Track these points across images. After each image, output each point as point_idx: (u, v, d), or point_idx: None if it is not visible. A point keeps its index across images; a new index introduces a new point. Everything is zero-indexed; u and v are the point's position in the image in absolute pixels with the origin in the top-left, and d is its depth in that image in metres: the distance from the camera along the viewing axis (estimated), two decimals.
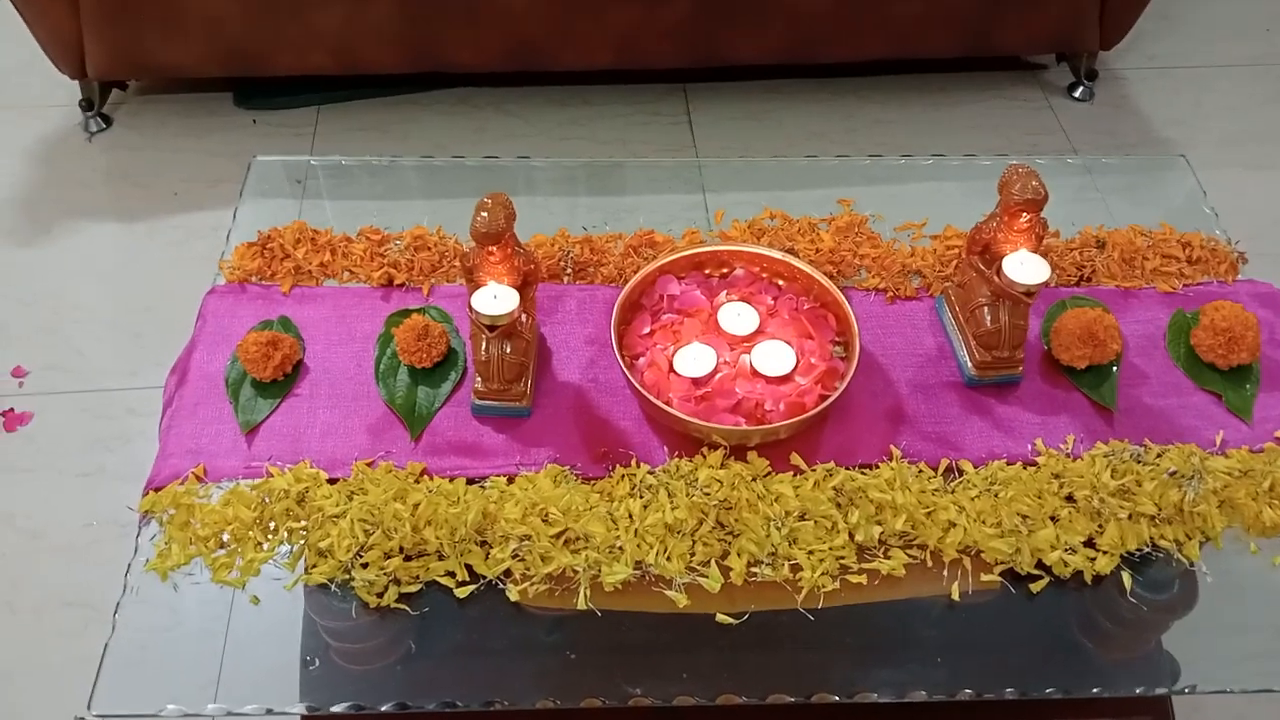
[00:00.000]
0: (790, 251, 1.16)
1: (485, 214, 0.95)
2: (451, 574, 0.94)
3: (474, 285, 1.00)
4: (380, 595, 0.93)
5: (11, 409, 1.66)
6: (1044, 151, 2.08)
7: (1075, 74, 2.18)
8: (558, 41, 1.97)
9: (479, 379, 1.04)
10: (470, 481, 1.00)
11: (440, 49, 1.96)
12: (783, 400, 1.04)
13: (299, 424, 1.05)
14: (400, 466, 1.01)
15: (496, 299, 0.98)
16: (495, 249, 0.97)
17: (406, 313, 1.12)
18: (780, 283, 1.15)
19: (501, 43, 1.95)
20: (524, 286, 1.02)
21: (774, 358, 1.06)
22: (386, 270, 1.17)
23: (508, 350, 1.01)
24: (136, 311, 1.81)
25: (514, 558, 0.95)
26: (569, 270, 1.19)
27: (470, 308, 0.97)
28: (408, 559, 0.95)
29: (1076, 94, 2.17)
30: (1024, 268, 1.02)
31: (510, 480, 1.00)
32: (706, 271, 1.16)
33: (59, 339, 1.76)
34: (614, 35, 1.96)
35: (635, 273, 1.14)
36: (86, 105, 2.11)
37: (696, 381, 1.05)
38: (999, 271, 1.02)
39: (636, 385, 1.01)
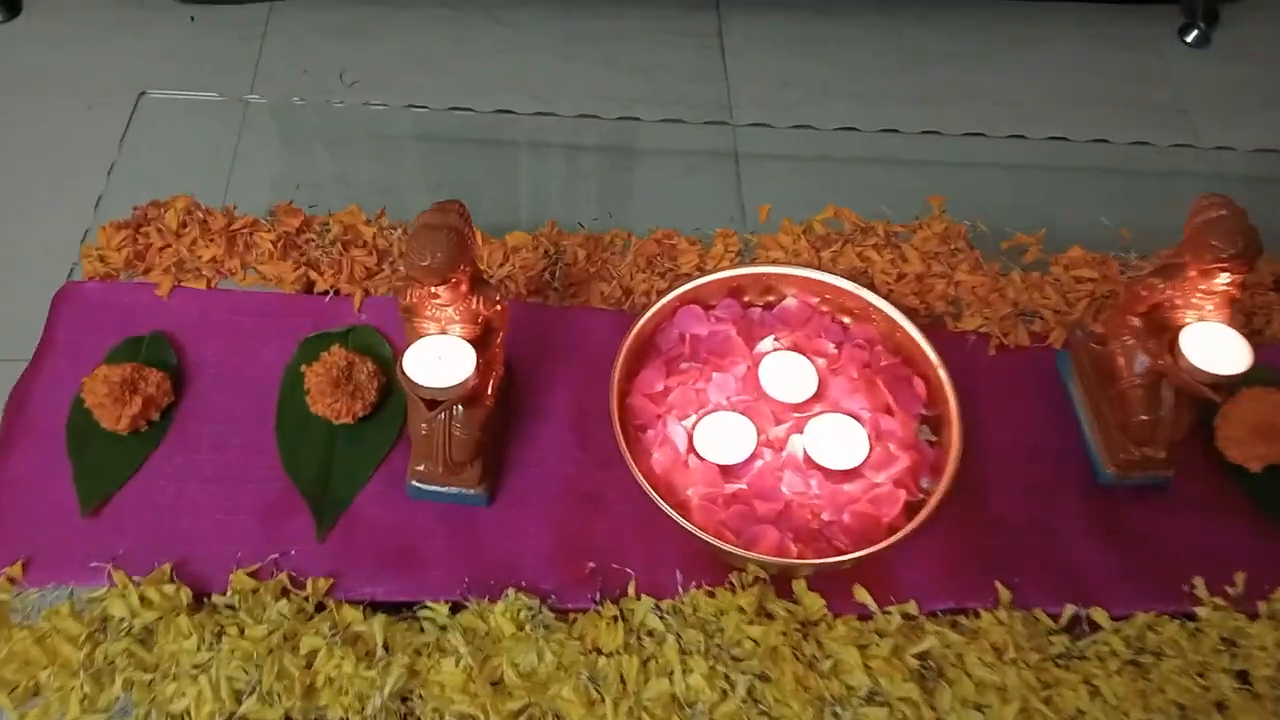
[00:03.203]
0: (864, 279, 0.84)
1: (427, 243, 0.62)
2: None
3: (411, 333, 0.68)
4: None
5: None
6: (1149, 107, 1.71)
7: (1189, 14, 1.80)
8: None
9: (417, 456, 0.73)
10: (396, 609, 0.70)
11: None
12: (848, 508, 0.74)
13: (163, 502, 0.75)
14: (300, 577, 0.71)
15: (441, 361, 0.66)
16: (443, 289, 0.65)
17: (327, 340, 0.81)
18: (846, 320, 0.83)
19: None
20: (486, 335, 0.70)
21: (838, 442, 0.75)
22: (304, 272, 0.85)
23: (458, 426, 0.70)
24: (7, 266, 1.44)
25: None
26: (557, 284, 0.87)
27: (401, 373, 0.66)
28: None
29: (1189, 38, 1.79)
30: (1213, 349, 0.70)
31: (454, 610, 0.70)
32: (746, 299, 0.84)
33: None
34: None
35: (646, 298, 0.83)
36: None
37: (726, 471, 0.75)
38: (1174, 350, 0.71)
39: (641, 480, 0.70)
